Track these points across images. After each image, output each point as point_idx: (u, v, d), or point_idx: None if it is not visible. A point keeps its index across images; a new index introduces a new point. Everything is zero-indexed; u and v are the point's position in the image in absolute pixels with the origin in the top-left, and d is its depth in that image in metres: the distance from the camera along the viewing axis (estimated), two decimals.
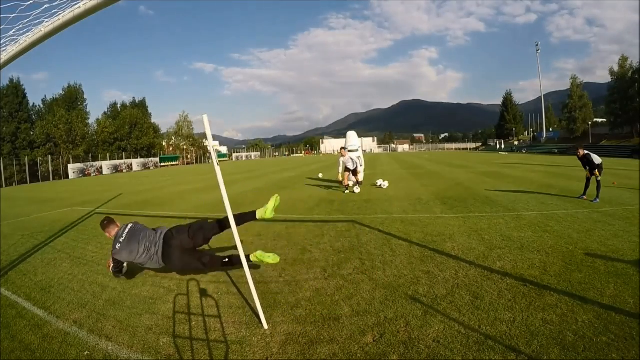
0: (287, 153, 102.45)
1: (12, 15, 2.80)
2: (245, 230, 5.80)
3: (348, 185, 10.04)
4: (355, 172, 10.05)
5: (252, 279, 2.80)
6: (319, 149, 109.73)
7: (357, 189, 9.90)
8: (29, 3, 2.68)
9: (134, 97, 61.68)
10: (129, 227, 3.48)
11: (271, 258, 3.27)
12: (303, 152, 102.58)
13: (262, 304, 2.78)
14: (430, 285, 3.26)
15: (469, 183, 11.38)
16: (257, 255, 3.29)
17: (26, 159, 34.23)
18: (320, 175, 15.81)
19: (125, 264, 3.64)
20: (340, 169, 10.51)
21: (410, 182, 12.32)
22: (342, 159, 10.22)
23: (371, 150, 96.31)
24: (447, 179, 13.09)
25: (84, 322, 2.91)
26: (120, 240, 3.36)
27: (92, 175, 38.48)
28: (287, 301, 3.09)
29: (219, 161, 2.83)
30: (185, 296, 3.35)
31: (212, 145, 2.73)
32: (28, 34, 2.95)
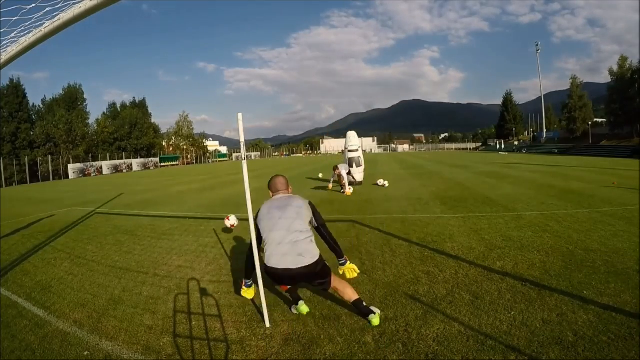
0: (287, 153, 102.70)
1: (14, 19, 2.81)
2: (245, 230, 5.81)
3: (344, 184, 10.10)
4: (348, 173, 10.47)
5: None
6: (319, 149, 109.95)
7: (350, 190, 9.94)
8: (31, 6, 2.69)
9: (134, 97, 61.78)
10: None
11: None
12: (304, 152, 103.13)
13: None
14: (430, 285, 3.26)
15: (469, 183, 11.39)
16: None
17: (26, 159, 34.24)
18: (321, 175, 15.82)
19: None
20: (333, 180, 11.06)
21: (410, 182, 12.32)
22: (340, 171, 10.37)
23: (371, 150, 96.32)
24: (447, 179, 13.09)
25: (84, 322, 2.91)
26: None
27: (92, 175, 38.49)
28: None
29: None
30: (185, 296, 3.35)
31: (243, 142, 2.74)
32: (28, 34, 2.95)
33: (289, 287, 2.78)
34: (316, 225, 2.80)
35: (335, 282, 2.75)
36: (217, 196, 11.26)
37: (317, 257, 2.62)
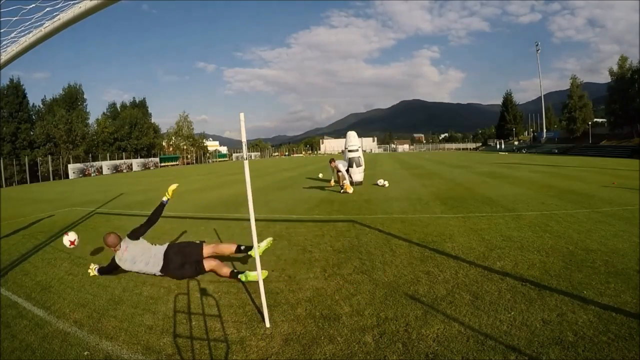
0: (287, 153, 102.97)
1: (14, 19, 2.81)
2: (245, 230, 5.80)
3: (344, 184, 10.06)
4: (346, 172, 10.32)
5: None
6: (319, 149, 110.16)
7: (350, 190, 9.90)
8: (31, 6, 2.70)
9: (134, 97, 61.74)
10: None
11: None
12: (304, 152, 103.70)
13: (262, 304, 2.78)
14: (430, 285, 3.26)
15: (469, 183, 11.39)
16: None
17: (26, 159, 34.20)
18: (321, 175, 15.82)
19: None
20: (333, 177, 10.78)
21: (410, 182, 12.32)
22: (337, 164, 10.33)
23: (371, 150, 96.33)
24: (447, 179, 13.09)
25: (84, 321, 2.91)
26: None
27: (92, 175, 38.48)
28: (287, 301, 3.10)
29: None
30: (185, 296, 3.35)
31: (245, 142, 2.79)
32: (28, 34, 2.95)
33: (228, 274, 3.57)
34: (146, 229, 3.74)
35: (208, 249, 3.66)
36: (217, 196, 11.26)
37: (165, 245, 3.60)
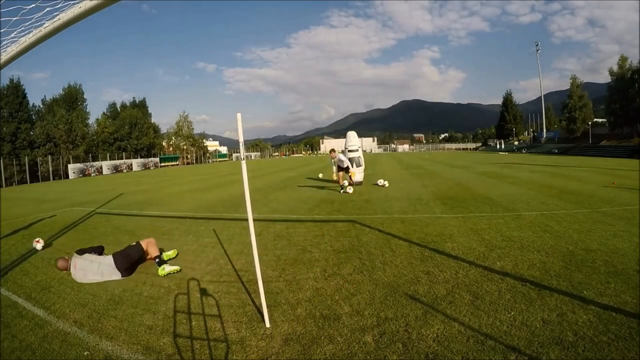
0: (287, 153, 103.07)
1: (14, 19, 2.81)
2: (245, 230, 5.80)
3: (343, 184, 10.02)
4: (347, 170, 10.07)
5: (253, 277, 2.80)
6: (319, 149, 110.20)
7: (350, 190, 9.85)
8: (31, 6, 2.70)
9: (134, 97, 61.73)
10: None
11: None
12: (304, 152, 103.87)
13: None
14: (430, 285, 3.27)
15: (469, 183, 11.39)
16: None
17: (26, 159, 34.19)
18: (321, 175, 15.83)
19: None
20: (335, 169, 10.49)
21: (410, 182, 12.32)
22: (335, 159, 10.16)
23: (371, 150, 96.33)
24: (447, 179, 13.09)
25: (84, 321, 2.91)
26: None
27: (92, 175, 38.48)
28: (287, 301, 3.10)
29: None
30: (185, 296, 3.35)
31: (242, 142, 2.84)
32: (28, 34, 2.95)
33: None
34: (91, 251, 4.10)
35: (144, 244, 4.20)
36: (217, 196, 11.26)
37: (108, 256, 4.03)
